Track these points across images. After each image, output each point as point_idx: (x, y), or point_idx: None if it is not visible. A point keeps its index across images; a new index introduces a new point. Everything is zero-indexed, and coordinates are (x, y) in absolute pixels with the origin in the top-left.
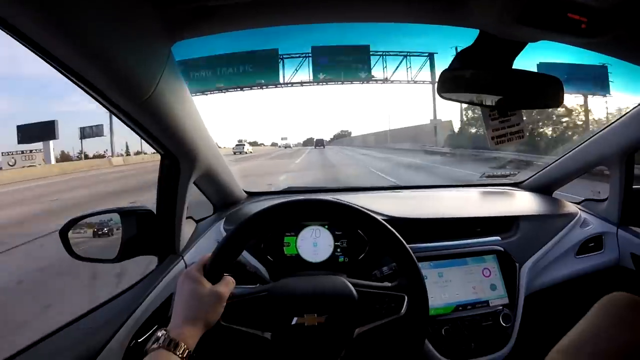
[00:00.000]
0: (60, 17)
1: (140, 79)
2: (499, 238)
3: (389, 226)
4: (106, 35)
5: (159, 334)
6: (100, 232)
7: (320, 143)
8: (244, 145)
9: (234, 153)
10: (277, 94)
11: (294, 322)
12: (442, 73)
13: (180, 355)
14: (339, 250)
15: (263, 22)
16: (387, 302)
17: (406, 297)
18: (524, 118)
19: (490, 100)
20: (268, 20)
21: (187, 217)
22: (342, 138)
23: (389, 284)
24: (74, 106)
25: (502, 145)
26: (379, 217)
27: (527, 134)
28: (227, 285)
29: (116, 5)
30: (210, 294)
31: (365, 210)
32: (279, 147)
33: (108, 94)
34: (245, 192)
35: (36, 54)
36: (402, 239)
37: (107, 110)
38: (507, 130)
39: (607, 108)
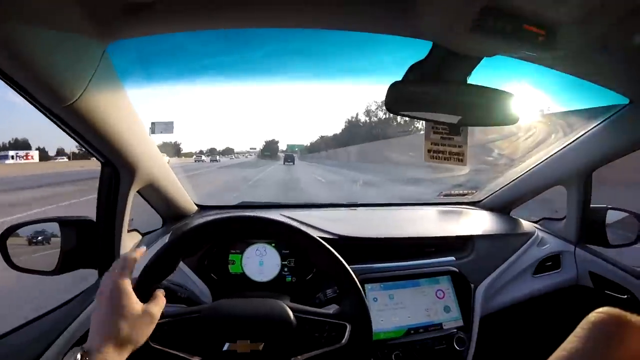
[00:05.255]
0: None
1: (67, 79)
2: (453, 258)
3: (328, 246)
4: (30, 32)
5: (78, 356)
6: (35, 240)
7: (290, 158)
8: (217, 156)
9: (211, 161)
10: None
11: (225, 348)
12: (391, 86)
13: None
14: (286, 269)
15: (206, 23)
16: (328, 330)
17: (348, 326)
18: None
19: (441, 116)
20: (211, 22)
21: (132, 230)
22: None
23: (331, 312)
24: None
25: (437, 161)
26: (323, 236)
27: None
28: (159, 304)
29: (42, 2)
30: (142, 314)
31: (304, 229)
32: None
33: (35, 94)
34: (197, 205)
35: None
36: (343, 261)
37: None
38: (448, 148)
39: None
